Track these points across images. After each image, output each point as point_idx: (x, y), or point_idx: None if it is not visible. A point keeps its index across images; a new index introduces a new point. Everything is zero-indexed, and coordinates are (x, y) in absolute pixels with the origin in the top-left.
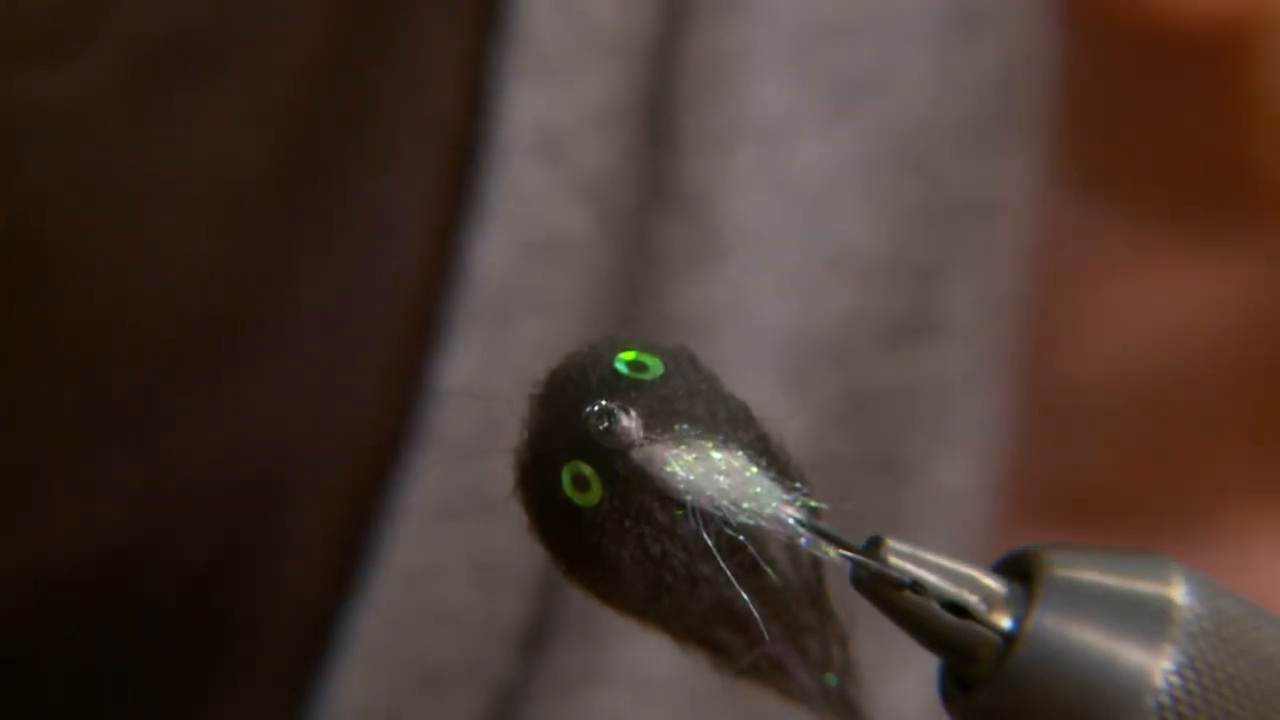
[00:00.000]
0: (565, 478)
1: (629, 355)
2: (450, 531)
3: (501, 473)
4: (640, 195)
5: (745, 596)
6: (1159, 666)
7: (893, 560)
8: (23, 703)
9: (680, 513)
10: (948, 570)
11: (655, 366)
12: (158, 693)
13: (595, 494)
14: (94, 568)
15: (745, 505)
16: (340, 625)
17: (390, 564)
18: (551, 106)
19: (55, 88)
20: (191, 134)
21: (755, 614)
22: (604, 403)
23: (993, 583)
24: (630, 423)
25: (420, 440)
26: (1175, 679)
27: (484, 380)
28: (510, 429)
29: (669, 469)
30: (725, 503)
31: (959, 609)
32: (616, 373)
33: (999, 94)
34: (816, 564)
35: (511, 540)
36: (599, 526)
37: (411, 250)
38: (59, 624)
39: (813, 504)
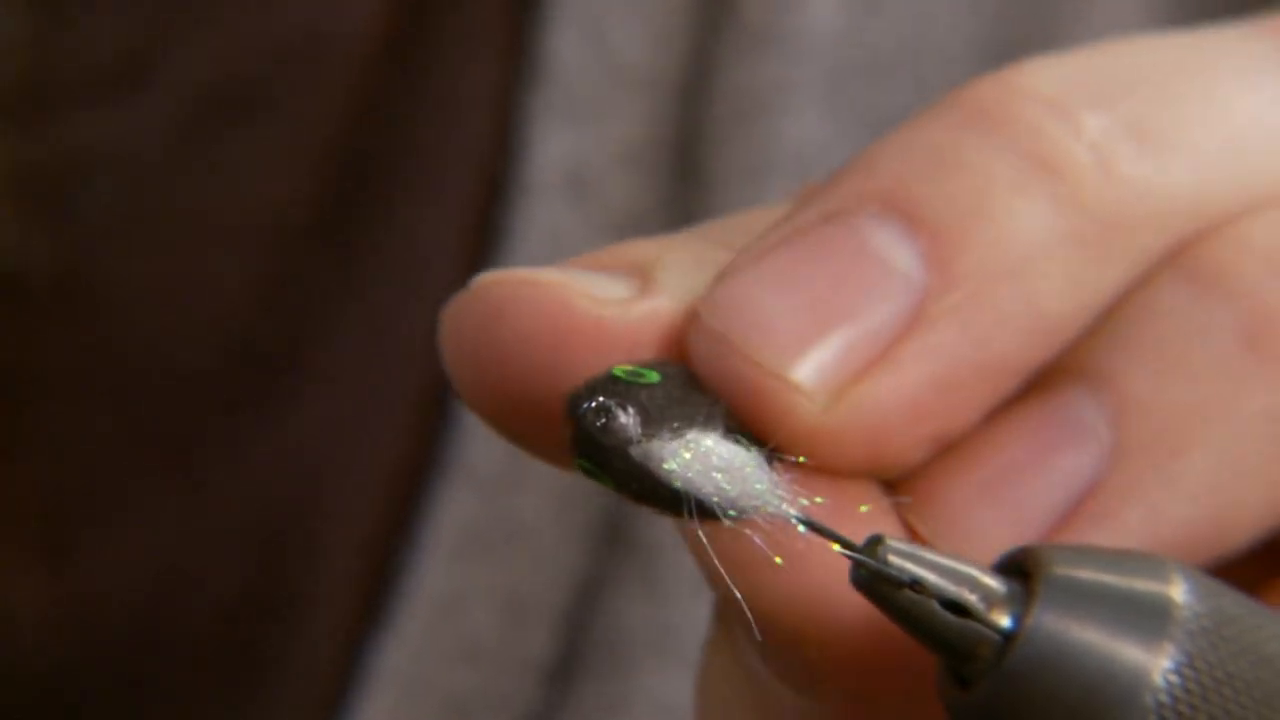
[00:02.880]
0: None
1: (625, 368)
2: (478, 564)
3: (528, 505)
4: (670, 232)
5: (741, 597)
6: (1158, 665)
7: (892, 559)
8: None
9: (678, 510)
10: (947, 569)
11: (651, 376)
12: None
13: (608, 482)
14: (134, 596)
15: (743, 502)
16: (368, 656)
17: (418, 595)
18: (581, 144)
19: (113, 128)
20: (235, 173)
21: (749, 614)
22: (601, 399)
23: (992, 581)
24: (627, 419)
25: (449, 472)
26: (1174, 677)
27: None
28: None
29: (666, 465)
30: (723, 499)
31: (958, 607)
32: (613, 375)
33: None
34: None
35: (538, 572)
36: None
37: (442, 285)
38: (99, 650)
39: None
